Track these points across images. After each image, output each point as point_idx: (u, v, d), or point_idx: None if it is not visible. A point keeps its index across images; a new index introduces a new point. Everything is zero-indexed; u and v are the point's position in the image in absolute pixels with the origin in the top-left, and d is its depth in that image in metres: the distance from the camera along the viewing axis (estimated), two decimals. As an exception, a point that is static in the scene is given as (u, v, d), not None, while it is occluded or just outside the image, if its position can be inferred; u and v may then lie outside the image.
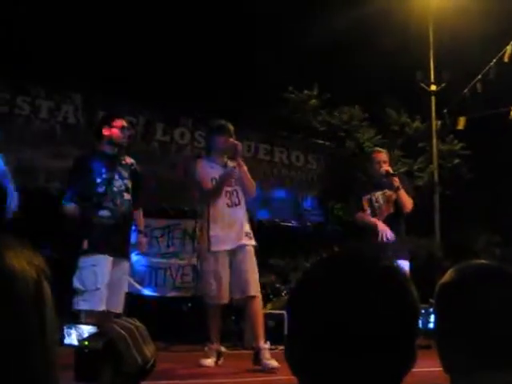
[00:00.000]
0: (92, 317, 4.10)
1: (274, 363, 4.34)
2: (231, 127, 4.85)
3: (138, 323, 0.91)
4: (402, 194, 5.05)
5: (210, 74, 9.27)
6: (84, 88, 7.94)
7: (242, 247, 4.69)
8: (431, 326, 6.93)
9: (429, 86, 11.65)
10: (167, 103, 8.65)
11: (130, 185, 4.50)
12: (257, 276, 4.72)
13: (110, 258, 4.26)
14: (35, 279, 0.69)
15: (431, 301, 6.99)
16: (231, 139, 4.78)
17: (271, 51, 10.25)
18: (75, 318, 4.11)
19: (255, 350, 4.55)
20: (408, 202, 5.07)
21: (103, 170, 4.38)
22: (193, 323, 6.70)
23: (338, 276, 0.95)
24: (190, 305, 7.56)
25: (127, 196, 4.45)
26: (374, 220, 5.09)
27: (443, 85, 11.55)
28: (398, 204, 5.08)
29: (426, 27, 11.77)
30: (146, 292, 7.57)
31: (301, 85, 10.81)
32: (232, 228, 4.69)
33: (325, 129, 10.91)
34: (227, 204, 4.72)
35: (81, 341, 0.86)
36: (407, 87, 11.58)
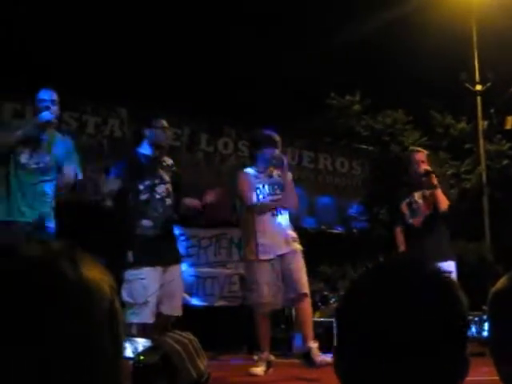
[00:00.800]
0: (143, 329, 4.03)
1: (326, 358, 4.32)
2: (278, 138, 4.86)
3: (191, 336, 0.93)
4: (439, 192, 5.01)
5: (252, 84, 9.33)
6: (129, 102, 8.10)
7: (290, 252, 4.70)
8: (485, 333, 6.76)
9: (474, 85, 11.41)
10: (211, 114, 8.75)
11: (171, 189, 4.26)
12: (306, 276, 4.72)
13: (159, 269, 4.15)
14: (109, 294, 0.69)
15: (484, 308, 6.82)
16: (278, 152, 4.79)
17: (312, 58, 10.24)
18: (126, 331, 4.13)
19: (306, 349, 4.53)
20: (444, 201, 5.01)
21: (145, 176, 4.18)
22: (241, 332, 6.72)
23: (384, 286, 0.95)
24: (237, 314, 7.59)
25: (169, 201, 4.22)
26: (400, 245, 5.11)
27: (488, 84, 11.30)
28: (435, 203, 5.03)
29: (469, 26, 11.56)
30: (195, 302, 7.64)
31: (343, 91, 10.76)
32: (278, 236, 4.69)
33: (368, 134, 10.82)
34: (272, 213, 4.74)
35: (137, 355, 0.87)
36: (450, 88, 11.39)
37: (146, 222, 4.10)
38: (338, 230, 9.44)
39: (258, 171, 4.86)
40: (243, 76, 9.45)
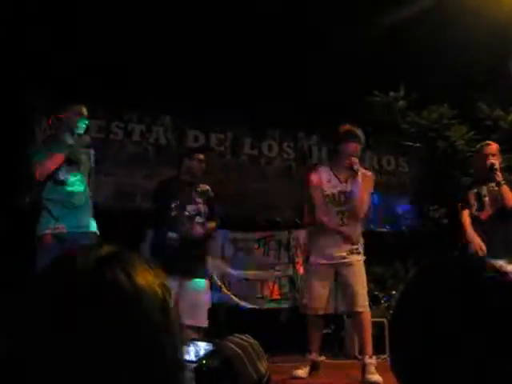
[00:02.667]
0: None
1: (376, 377, 4.28)
2: (361, 134, 4.82)
3: (251, 340, 0.93)
4: (504, 188, 4.86)
5: (293, 84, 9.31)
6: (172, 109, 8.22)
7: (348, 263, 4.64)
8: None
9: (522, 76, 11.09)
10: (254, 117, 8.77)
11: (203, 209, 4.85)
12: (364, 291, 4.66)
13: (177, 277, 4.52)
14: (162, 297, 0.71)
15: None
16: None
17: (352, 55, 10.15)
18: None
19: (362, 364, 4.52)
20: (510, 198, 4.85)
21: (177, 196, 4.80)
22: (292, 334, 6.70)
23: (441, 288, 0.92)
24: (288, 316, 7.57)
25: (199, 219, 4.80)
26: (472, 239, 4.93)
27: (538, 74, 10.96)
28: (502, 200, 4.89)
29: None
30: (244, 305, 7.67)
31: (386, 87, 10.62)
32: (338, 245, 4.66)
33: (414, 130, 10.64)
34: (338, 224, 4.70)
35: (199, 359, 0.89)
36: (498, 79, 11.08)
37: (171, 234, 4.71)
38: (387, 228, 9.32)
39: (333, 173, 4.81)
40: (285, 78, 9.44)
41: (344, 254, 4.63)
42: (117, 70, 7.64)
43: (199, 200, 4.88)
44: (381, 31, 10.00)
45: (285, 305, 7.73)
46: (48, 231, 4.16)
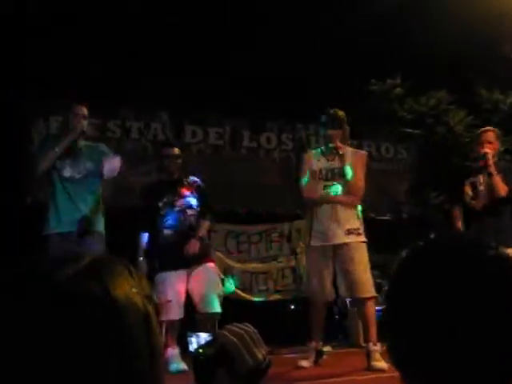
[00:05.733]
0: (172, 325, 4.60)
1: (381, 364, 4.26)
2: (339, 115, 4.79)
3: (248, 328, 0.94)
4: (496, 179, 4.76)
5: (290, 75, 9.29)
6: (169, 105, 8.21)
7: (346, 245, 4.53)
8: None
9: (519, 58, 11.04)
10: (252, 110, 8.76)
11: (193, 202, 4.85)
12: (367, 275, 4.52)
13: (181, 271, 4.68)
14: (143, 308, 0.70)
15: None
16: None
17: (349, 44, 10.12)
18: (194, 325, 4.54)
19: (366, 351, 4.49)
20: (502, 187, 4.77)
21: (166, 194, 4.82)
22: (296, 325, 6.72)
23: (440, 265, 0.90)
24: (292, 307, 7.59)
25: (190, 212, 4.81)
26: (456, 222, 4.97)
27: (535, 55, 10.92)
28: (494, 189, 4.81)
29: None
30: (249, 297, 7.69)
31: (383, 75, 10.60)
32: (333, 224, 4.55)
33: (412, 117, 10.62)
34: (328, 201, 4.62)
35: (197, 348, 0.90)
36: (495, 62, 11.04)
37: (166, 232, 4.75)
38: (388, 216, 9.32)
39: (321, 152, 4.80)
40: (282, 69, 9.43)
41: (341, 234, 4.50)
42: (113, 67, 7.63)
43: (187, 193, 4.87)
44: (377, 19, 9.97)
45: (289, 296, 7.74)
46: (54, 231, 4.18)
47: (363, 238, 4.58)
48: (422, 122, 10.50)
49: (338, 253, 4.53)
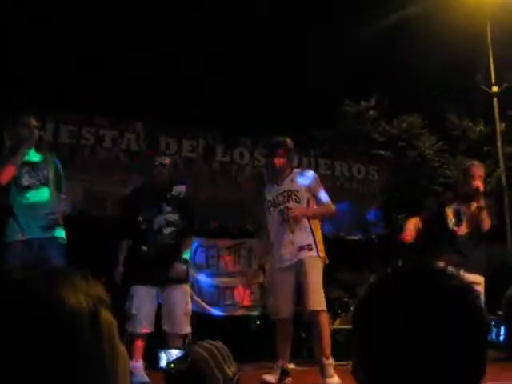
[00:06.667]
0: (135, 338, 4.61)
1: (334, 380, 4.28)
2: (286, 142, 4.88)
3: (219, 344, 0.95)
4: (484, 214, 5.00)
5: (266, 93, 9.36)
6: (144, 116, 8.19)
7: (300, 261, 4.62)
8: (501, 338, 6.68)
9: (490, 87, 11.32)
10: (226, 125, 8.80)
11: (173, 217, 4.82)
12: (318, 288, 4.58)
13: (152, 289, 4.70)
14: (91, 311, 0.72)
15: (499, 313, 6.74)
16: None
17: (324, 65, 10.25)
18: (164, 342, 4.55)
19: (320, 365, 4.50)
20: (487, 222, 5.02)
21: (146, 208, 4.81)
22: (262, 341, 6.70)
23: (402, 292, 0.94)
24: (258, 323, 7.58)
25: (169, 230, 4.79)
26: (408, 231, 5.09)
27: (505, 85, 11.21)
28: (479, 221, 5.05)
29: (483, 27, 11.48)
30: (215, 312, 7.65)
31: (359, 96, 10.76)
32: (286, 245, 4.66)
33: (384, 139, 10.79)
34: (280, 222, 4.73)
35: (168, 364, 0.91)
36: (466, 91, 11.32)
37: (143, 247, 4.75)
38: (357, 236, 9.41)
39: (270, 181, 4.93)
40: (257, 86, 9.49)
41: (295, 252, 4.61)
42: (88, 75, 7.60)
43: (168, 209, 4.84)
44: (354, 43, 10.14)
45: (255, 312, 7.73)
46: (16, 238, 4.20)
47: (318, 254, 4.66)
48: (394, 145, 10.67)
49: (297, 269, 4.64)
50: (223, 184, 8.57)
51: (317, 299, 4.56)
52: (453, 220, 5.16)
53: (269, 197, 4.85)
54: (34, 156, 4.43)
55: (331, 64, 10.27)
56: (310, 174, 4.98)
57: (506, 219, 10.85)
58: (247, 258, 8.07)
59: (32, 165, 4.37)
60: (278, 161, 4.83)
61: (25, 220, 4.23)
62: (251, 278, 7.93)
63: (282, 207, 4.74)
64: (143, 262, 4.72)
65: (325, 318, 4.65)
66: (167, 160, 5.05)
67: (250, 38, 9.34)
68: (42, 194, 4.34)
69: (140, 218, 4.78)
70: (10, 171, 4.25)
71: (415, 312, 0.90)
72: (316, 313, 4.56)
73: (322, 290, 4.63)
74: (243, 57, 9.19)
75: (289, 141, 4.90)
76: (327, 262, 4.75)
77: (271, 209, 4.80)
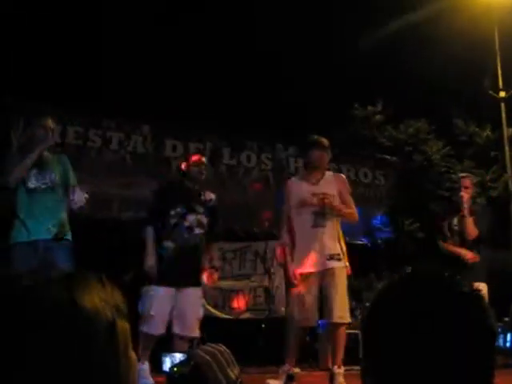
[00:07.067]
0: (150, 339, 4.43)
1: None
2: (326, 141, 4.78)
3: (222, 348, 0.95)
4: (468, 222, 5.15)
5: (272, 97, 9.37)
6: (151, 118, 8.20)
7: (328, 271, 4.48)
8: (508, 344, 6.66)
9: (497, 92, 11.28)
10: (232, 128, 8.81)
11: (204, 220, 4.64)
12: (345, 300, 4.49)
13: (171, 289, 4.49)
14: (110, 319, 0.71)
15: (506, 319, 6.73)
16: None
17: (332, 70, 10.25)
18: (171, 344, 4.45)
19: (330, 373, 4.46)
20: (472, 231, 5.16)
21: (179, 204, 4.57)
22: (266, 345, 6.69)
23: (414, 296, 0.94)
24: (263, 326, 7.57)
25: (198, 230, 4.60)
26: (457, 250, 5.16)
27: (513, 91, 11.17)
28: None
29: (491, 32, 11.45)
30: (219, 315, 7.64)
31: (365, 101, 10.75)
32: (315, 250, 4.50)
33: (391, 144, 10.77)
34: (311, 225, 4.55)
35: (171, 367, 0.90)
36: (474, 96, 11.28)
37: (169, 244, 4.52)
38: (363, 240, 9.38)
39: (302, 179, 4.77)
40: (264, 90, 9.49)
41: (325, 259, 4.45)
42: (97, 78, 7.62)
43: (200, 210, 4.65)
44: (361, 47, 10.14)
45: (260, 315, 7.71)
46: (21, 240, 4.18)
47: (345, 264, 4.55)
48: (401, 150, 10.65)
49: (322, 277, 4.47)
50: (230, 187, 8.57)
51: (345, 312, 4.46)
52: (447, 234, 5.36)
53: (300, 194, 4.61)
54: (43, 158, 4.40)
55: (337, 68, 10.27)
56: (343, 178, 4.91)
57: (512, 225, 10.79)
58: (253, 261, 8.06)
59: (40, 167, 4.34)
60: (319, 157, 4.67)
61: (30, 222, 4.21)
62: (256, 282, 7.92)
63: (317, 210, 4.54)
64: (167, 261, 4.51)
65: (344, 330, 4.55)
66: (203, 159, 4.84)
67: (254, 40, 9.35)
68: (48, 197, 4.32)
69: (172, 212, 4.54)
70: (20, 172, 4.23)
71: (423, 317, 0.90)
72: (340, 325, 4.47)
73: (348, 303, 4.55)
74: (248, 59, 9.20)
75: (327, 140, 4.78)
76: (350, 272, 4.64)
77: (300, 208, 4.59)
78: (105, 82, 7.72)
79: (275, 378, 4.52)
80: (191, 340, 4.59)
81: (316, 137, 4.79)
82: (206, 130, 8.63)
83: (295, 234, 4.59)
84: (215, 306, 7.62)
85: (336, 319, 4.43)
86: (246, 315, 7.78)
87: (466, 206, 5.17)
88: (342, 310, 4.46)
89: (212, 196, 4.81)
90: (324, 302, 4.48)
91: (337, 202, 4.60)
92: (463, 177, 5.63)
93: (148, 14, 8.57)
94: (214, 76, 9.10)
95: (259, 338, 7.30)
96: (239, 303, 7.82)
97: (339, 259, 4.53)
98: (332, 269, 4.49)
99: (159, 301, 4.46)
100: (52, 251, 4.17)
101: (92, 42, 7.45)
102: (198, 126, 8.50)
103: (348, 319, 4.52)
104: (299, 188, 4.66)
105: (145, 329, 4.40)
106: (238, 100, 8.81)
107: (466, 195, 5.23)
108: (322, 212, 4.53)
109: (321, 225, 4.53)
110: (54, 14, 7.49)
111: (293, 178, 4.97)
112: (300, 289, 4.48)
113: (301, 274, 4.50)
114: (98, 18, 7.72)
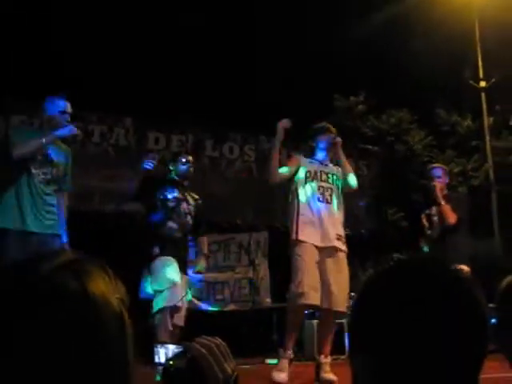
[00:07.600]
0: (175, 312, 4.28)
1: (331, 376, 4.19)
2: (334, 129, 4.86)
3: (218, 341, 0.94)
4: (445, 208, 5.19)
5: (254, 88, 9.35)
6: (134, 111, 8.14)
7: (334, 251, 4.34)
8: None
9: (478, 82, 11.38)
10: (215, 120, 8.77)
11: (193, 213, 4.65)
12: (347, 289, 4.34)
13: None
14: (117, 307, 0.69)
15: (491, 305, 6.86)
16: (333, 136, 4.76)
17: (314, 60, 10.25)
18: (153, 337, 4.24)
19: (316, 363, 4.39)
20: (451, 216, 5.18)
21: (174, 191, 4.57)
22: (251, 336, 6.71)
23: (402, 284, 0.93)
24: (247, 318, 7.59)
25: (190, 220, 4.61)
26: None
27: (493, 80, 11.27)
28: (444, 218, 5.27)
29: (471, 22, 11.53)
30: (204, 307, 7.65)
31: (348, 92, 10.77)
32: (321, 224, 4.37)
33: (374, 134, 10.81)
34: (318, 198, 4.47)
35: (167, 360, 0.89)
36: (455, 86, 11.36)
37: (172, 224, 4.46)
38: (347, 231, 9.42)
39: (313, 157, 4.75)
40: (246, 81, 9.47)
41: (331, 237, 4.32)
42: (78, 70, 7.54)
43: (191, 202, 4.66)
44: (344, 38, 10.15)
45: (245, 307, 7.73)
46: (15, 227, 4.02)
47: (346, 249, 4.47)
48: (383, 140, 10.70)
49: (325, 257, 4.31)
50: (213, 179, 8.55)
51: (345, 300, 4.33)
52: (426, 224, 5.46)
53: (310, 167, 4.59)
54: (52, 150, 4.24)
55: (320, 59, 10.27)
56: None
57: (493, 214, 10.92)
58: (237, 253, 8.07)
59: (47, 158, 4.17)
60: (334, 139, 4.75)
61: (28, 211, 4.07)
62: (240, 273, 7.93)
63: (325, 185, 4.52)
64: (172, 240, 4.44)
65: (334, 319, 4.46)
66: (191, 158, 4.82)
67: (240, 32, 9.32)
68: (49, 190, 4.20)
69: (169, 196, 4.50)
70: (32, 147, 4.00)
71: (412, 305, 0.90)
72: (336, 313, 4.33)
73: (346, 289, 4.37)
74: (232, 51, 9.16)
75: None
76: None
77: (309, 180, 4.53)
78: (86, 75, 7.64)
79: (278, 369, 4.28)
80: (180, 329, 4.51)
81: (325, 123, 4.93)
82: (189, 122, 8.59)
83: (300, 204, 4.46)
84: (200, 298, 7.62)
85: (338, 307, 4.26)
86: (231, 307, 7.80)
87: (439, 194, 5.23)
88: (344, 298, 4.32)
89: (196, 196, 4.80)
90: (323, 286, 4.25)
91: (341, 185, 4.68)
92: (434, 167, 5.68)
93: (130, 8, 8.50)
94: (197, 68, 9.06)
95: (244, 329, 7.32)
96: (224, 295, 7.83)
97: (344, 242, 4.45)
98: (337, 250, 4.36)
99: (176, 270, 4.35)
100: (46, 246, 4.04)
101: (74, 36, 7.38)
102: (181, 118, 8.46)
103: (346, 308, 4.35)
104: (308, 162, 4.66)
105: (168, 303, 4.24)
106: (220, 92, 8.78)
107: (438, 184, 5.30)
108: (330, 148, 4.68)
109: (327, 201, 4.50)
110: (53, 14, 7.40)
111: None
112: (304, 258, 4.27)
113: (304, 242, 4.31)
114: (86, 13, 7.65)
